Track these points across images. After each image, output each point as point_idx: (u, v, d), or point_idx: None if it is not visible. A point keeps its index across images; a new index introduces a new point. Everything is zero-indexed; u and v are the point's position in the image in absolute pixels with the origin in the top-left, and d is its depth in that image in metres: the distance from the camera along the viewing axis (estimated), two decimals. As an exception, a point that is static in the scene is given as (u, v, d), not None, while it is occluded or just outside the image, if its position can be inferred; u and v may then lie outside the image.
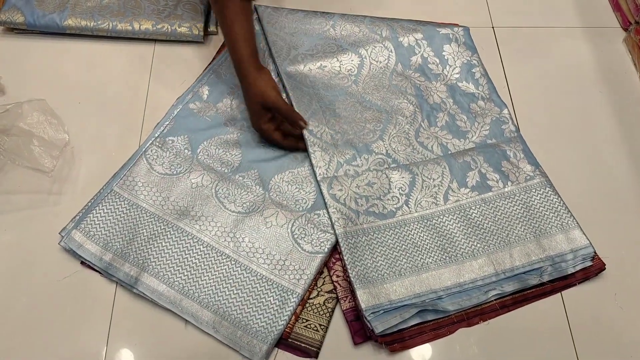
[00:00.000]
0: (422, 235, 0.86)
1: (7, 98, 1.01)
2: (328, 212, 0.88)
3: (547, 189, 0.91)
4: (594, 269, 0.86)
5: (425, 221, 0.88)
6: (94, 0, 1.10)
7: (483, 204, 0.89)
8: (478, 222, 0.87)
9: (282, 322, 0.80)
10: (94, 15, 1.07)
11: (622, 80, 1.09)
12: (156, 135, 0.95)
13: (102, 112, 1.01)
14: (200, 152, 0.94)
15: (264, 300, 0.81)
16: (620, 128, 1.02)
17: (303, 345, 0.80)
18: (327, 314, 0.83)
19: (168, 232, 0.86)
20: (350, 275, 0.82)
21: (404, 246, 0.85)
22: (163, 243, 0.85)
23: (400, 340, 0.80)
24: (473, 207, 0.89)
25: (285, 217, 0.88)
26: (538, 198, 0.90)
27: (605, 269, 0.86)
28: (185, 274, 0.83)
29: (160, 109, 1.00)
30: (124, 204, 0.88)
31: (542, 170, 0.93)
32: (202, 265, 0.84)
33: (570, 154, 0.99)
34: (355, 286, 0.81)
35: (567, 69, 1.10)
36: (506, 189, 0.91)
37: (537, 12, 1.18)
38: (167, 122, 0.96)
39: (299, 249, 0.85)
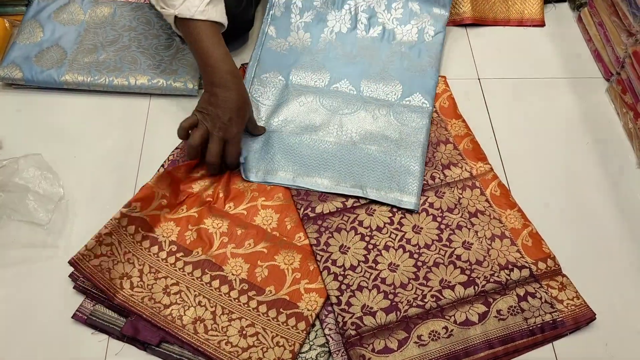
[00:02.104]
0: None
1: (4, 152, 1.03)
2: None
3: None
4: (584, 318, 0.86)
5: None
6: (91, 56, 1.13)
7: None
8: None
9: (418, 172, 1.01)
10: (91, 70, 1.10)
11: (607, 130, 1.11)
12: (252, 75, 1.11)
13: (97, 166, 1.03)
14: (292, 78, 1.12)
15: (395, 166, 1.02)
16: (607, 177, 1.04)
17: (295, 400, 0.80)
18: (320, 368, 0.83)
19: (302, 142, 1.04)
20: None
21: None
22: (302, 150, 1.03)
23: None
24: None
25: (385, 108, 1.09)
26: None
27: (595, 318, 0.87)
28: (328, 166, 1.02)
29: (154, 161, 1.02)
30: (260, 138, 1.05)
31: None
32: (338, 158, 1.03)
33: (558, 204, 1.01)
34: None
35: (553, 119, 1.13)
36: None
37: (522, 64, 1.22)
38: (255, 64, 1.13)
39: (407, 127, 1.07)
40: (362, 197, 0.98)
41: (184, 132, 0.96)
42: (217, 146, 0.94)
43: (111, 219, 0.91)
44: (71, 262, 0.86)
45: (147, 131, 1.08)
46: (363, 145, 1.04)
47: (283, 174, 1.01)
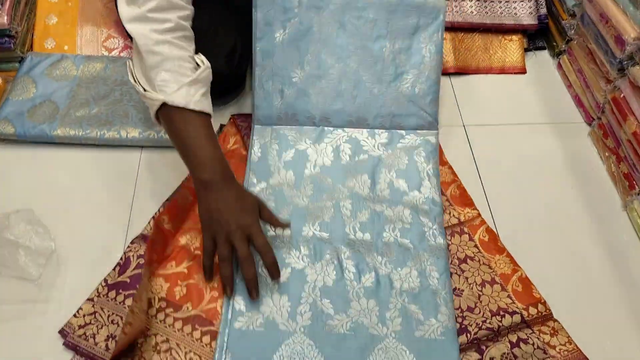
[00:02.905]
0: None
1: (-6, 208, 1.03)
2: None
3: None
4: (577, 364, 0.86)
5: None
6: (83, 110, 1.15)
7: None
8: None
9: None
10: (82, 124, 1.12)
11: (591, 173, 1.14)
12: None
13: (87, 221, 1.03)
14: None
15: None
16: (594, 220, 1.06)
17: None
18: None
19: None
20: None
21: None
22: None
23: None
24: None
25: None
26: None
27: (588, 364, 0.87)
28: None
29: (144, 216, 1.02)
30: None
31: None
32: None
33: (547, 249, 1.01)
34: None
35: (538, 163, 1.15)
36: None
37: (505, 110, 1.25)
38: (224, 354, 0.85)
39: None
40: None
41: (210, 265, 0.91)
42: (243, 246, 0.85)
43: (95, 290, 0.91)
44: (61, 334, 0.87)
45: (138, 184, 1.09)
46: None
47: None
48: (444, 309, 0.90)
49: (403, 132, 1.13)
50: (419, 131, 1.13)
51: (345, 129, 1.13)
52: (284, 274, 0.93)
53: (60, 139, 1.12)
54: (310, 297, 0.91)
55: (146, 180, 1.09)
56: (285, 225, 0.94)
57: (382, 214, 1.02)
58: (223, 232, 0.86)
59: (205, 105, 0.88)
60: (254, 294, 0.87)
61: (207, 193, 0.87)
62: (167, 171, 1.10)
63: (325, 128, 1.13)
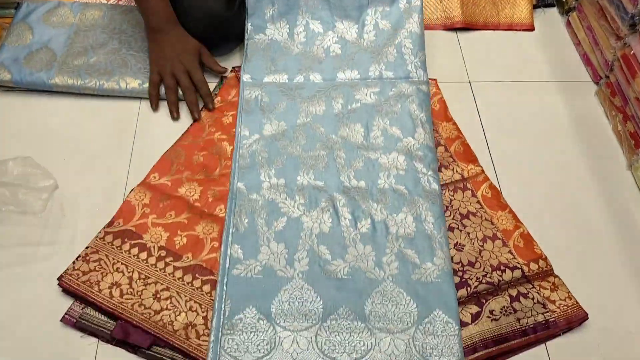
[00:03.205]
0: None
1: (-7, 155, 1.02)
2: None
3: None
4: (576, 319, 0.86)
5: None
6: (81, 59, 1.12)
7: None
8: None
9: None
10: (81, 73, 1.10)
11: (596, 132, 1.12)
12: (221, 323, 0.83)
13: (88, 168, 1.02)
14: (275, 316, 0.84)
15: None
16: (597, 179, 1.05)
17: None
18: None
19: None
20: None
21: None
22: None
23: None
24: None
25: (402, 339, 0.83)
26: None
27: (588, 318, 0.87)
28: None
29: (145, 166, 1.01)
30: None
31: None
32: None
33: (549, 205, 1.01)
34: None
35: (543, 121, 1.14)
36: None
37: (512, 67, 1.23)
38: (223, 302, 0.85)
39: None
40: None
41: (156, 94, 1.09)
42: (184, 78, 1.07)
43: (95, 239, 0.91)
44: (60, 282, 0.86)
45: (137, 135, 1.07)
46: None
47: None
48: (440, 252, 0.91)
49: (395, 80, 1.13)
50: (410, 80, 1.13)
51: (337, 75, 1.14)
52: (280, 222, 0.93)
53: (59, 87, 1.09)
54: (307, 244, 0.91)
55: (146, 132, 1.08)
56: (223, 70, 1.13)
57: (377, 161, 1.02)
58: (168, 66, 1.07)
59: None
60: (194, 114, 1.07)
61: (155, 36, 1.07)
62: (166, 123, 1.09)
63: (315, 81, 1.13)
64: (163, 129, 1.08)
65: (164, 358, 0.82)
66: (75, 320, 0.84)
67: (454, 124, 1.10)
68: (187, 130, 1.07)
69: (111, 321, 0.84)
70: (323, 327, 0.83)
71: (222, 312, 0.84)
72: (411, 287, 0.87)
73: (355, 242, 0.91)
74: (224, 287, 0.86)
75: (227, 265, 0.89)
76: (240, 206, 0.95)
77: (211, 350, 0.81)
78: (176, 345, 0.82)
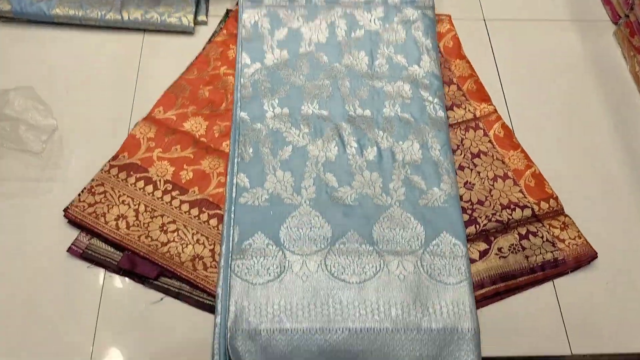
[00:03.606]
0: None
1: (-6, 86, 0.99)
2: None
3: None
4: (585, 257, 0.86)
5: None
6: (83, -11, 1.08)
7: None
8: None
9: None
10: (82, 4, 1.06)
11: (613, 73, 1.09)
12: (231, 249, 0.84)
13: (90, 101, 1.00)
14: (285, 241, 0.85)
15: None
16: (612, 120, 1.02)
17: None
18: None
19: (316, 340, 0.77)
20: None
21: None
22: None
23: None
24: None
25: (410, 261, 0.84)
26: None
27: (597, 257, 0.86)
28: None
29: (149, 97, 0.99)
30: (250, 341, 0.77)
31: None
32: (364, 351, 0.77)
33: (562, 145, 0.99)
34: None
35: (559, 61, 1.10)
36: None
37: (528, 5, 1.18)
38: (232, 229, 0.85)
39: (444, 283, 0.82)
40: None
41: None
42: None
43: (100, 172, 0.90)
44: (66, 213, 0.85)
45: (141, 68, 1.04)
46: (397, 324, 0.78)
47: None
48: (447, 178, 0.91)
49: (399, 5, 1.09)
50: (416, 4, 1.09)
51: (339, 2, 1.09)
52: (286, 151, 0.93)
53: (60, 18, 1.06)
54: (313, 172, 0.91)
55: (150, 65, 1.05)
56: None
57: (382, 90, 1.00)
58: None
59: None
60: None
61: None
62: (171, 55, 1.06)
63: (318, 4, 1.09)
64: (167, 62, 1.05)
65: (171, 288, 0.82)
66: (81, 251, 0.84)
67: (468, 61, 1.07)
68: (191, 64, 1.04)
69: (118, 252, 0.84)
70: (332, 250, 0.84)
71: (231, 238, 0.84)
72: (418, 211, 0.87)
73: (361, 169, 0.91)
74: (232, 215, 0.86)
75: (233, 194, 0.88)
76: (244, 136, 0.94)
77: (222, 274, 0.81)
78: (183, 277, 0.82)
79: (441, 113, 0.97)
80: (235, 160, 0.92)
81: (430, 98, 0.99)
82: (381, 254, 0.84)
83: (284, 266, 0.82)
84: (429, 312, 0.79)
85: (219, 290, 0.80)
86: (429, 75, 1.01)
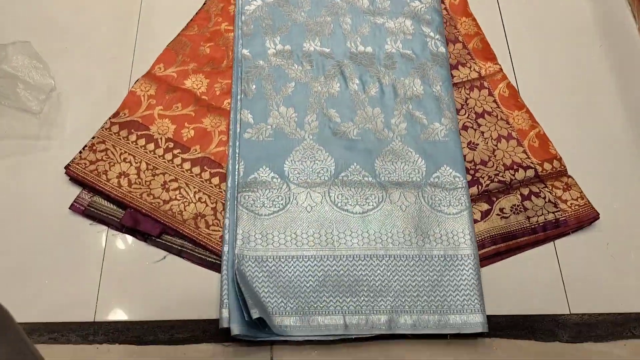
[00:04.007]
0: None
1: (-10, 41, 0.98)
2: None
3: None
4: (587, 218, 0.86)
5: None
6: (79, -58, 1.05)
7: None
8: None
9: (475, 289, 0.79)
10: (79, -44, 1.03)
11: (621, 33, 1.07)
12: (237, 182, 0.85)
13: (89, 57, 0.98)
14: (289, 174, 0.87)
15: (447, 281, 0.80)
16: (618, 80, 1.01)
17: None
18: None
19: (321, 267, 0.80)
20: None
21: None
22: (322, 279, 0.80)
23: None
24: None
25: (412, 192, 0.85)
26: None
27: (599, 218, 0.86)
28: (358, 293, 0.79)
29: (149, 54, 0.97)
30: (256, 267, 0.79)
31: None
32: (368, 276, 0.80)
33: (567, 106, 0.98)
34: None
35: (567, 20, 1.08)
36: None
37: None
38: (237, 163, 0.87)
39: (445, 214, 0.84)
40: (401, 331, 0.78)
41: None
42: None
43: (100, 129, 0.89)
44: (67, 171, 0.85)
45: (141, 23, 1.02)
46: (399, 251, 0.82)
47: (291, 319, 0.77)
48: (448, 113, 0.92)
49: None
50: None
51: None
52: (288, 88, 0.94)
53: (56, -29, 1.03)
54: (316, 108, 0.92)
55: (149, 20, 1.03)
56: None
57: (383, 26, 1.01)
58: None
59: None
60: None
61: None
62: (171, 11, 1.03)
63: None
64: (167, 18, 1.03)
65: (173, 246, 0.83)
66: (83, 208, 0.84)
67: (474, 19, 1.05)
68: (192, 20, 1.02)
69: (120, 209, 0.84)
70: (335, 183, 0.86)
71: (237, 172, 0.86)
72: (420, 146, 0.89)
73: (364, 105, 0.93)
74: (237, 150, 0.88)
75: (237, 130, 0.89)
76: (246, 73, 0.95)
77: (229, 206, 0.83)
78: (186, 234, 0.82)
79: (442, 49, 0.99)
80: (239, 97, 0.93)
81: (432, 34, 1.00)
82: (383, 185, 0.86)
83: (289, 198, 0.84)
84: (430, 240, 0.82)
85: (227, 222, 0.82)
86: (430, 10, 1.02)
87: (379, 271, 0.80)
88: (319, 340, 0.76)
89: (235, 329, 0.73)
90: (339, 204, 0.84)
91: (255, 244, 0.80)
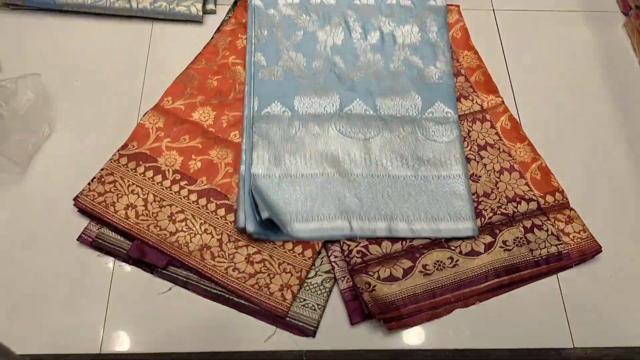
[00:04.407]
0: None
1: (3, 74, 1.00)
2: None
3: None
4: (590, 251, 0.86)
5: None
6: (91, -23, 1.08)
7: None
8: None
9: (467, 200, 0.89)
10: (91, -8, 1.06)
11: (622, 65, 1.08)
12: (252, 114, 0.96)
13: (99, 90, 1.00)
14: (298, 107, 0.97)
15: (440, 191, 0.90)
16: (619, 113, 1.02)
17: (301, 324, 0.81)
18: (325, 294, 0.83)
19: (328, 182, 0.90)
20: None
21: None
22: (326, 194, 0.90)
23: (398, 318, 0.80)
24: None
25: (409, 124, 0.96)
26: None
27: (601, 251, 0.87)
28: (362, 203, 0.89)
29: (158, 87, 0.99)
30: (269, 183, 0.89)
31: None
32: (371, 194, 0.90)
33: (569, 139, 0.99)
34: None
35: (568, 53, 1.10)
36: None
37: (538, -4, 1.18)
38: (252, 101, 0.97)
39: (438, 142, 0.94)
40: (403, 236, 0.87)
41: None
42: None
43: (109, 161, 0.91)
44: (76, 202, 0.87)
45: (150, 57, 1.05)
46: (397, 172, 0.92)
47: (310, 225, 0.87)
48: (442, 57, 1.03)
49: None
50: None
51: None
52: (298, 36, 1.05)
53: (69, 6, 1.06)
54: (322, 54, 1.04)
55: (159, 54, 1.05)
56: None
57: None
58: None
59: None
60: None
61: None
62: (180, 45, 1.06)
63: None
64: (176, 51, 1.05)
65: (179, 277, 0.83)
66: (91, 240, 0.85)
67: (476, 52, 1.07)
68: (200, 54, 1.04)
69: (127, 241, 0.85)
70: (340, 115, 0.97)
71: (252, 106, 0.97)
72: (416, 86, 1.00)
73: (365, 52, 1.04)
74: (252, 88, 0.99)
75: (252, 70, 1.01)
76: (259, 19, 1.04)
77: (245, 133, 0.94)
78: (192, 266, 0.83)
79: (441, 2, 1.09)
80: (252, 40, 1.03)
81: None
82: (383, 118, 0.97)
83: (298, 127, 0.95)
84: (425, 164, 0.92)
85: (243, 146, 0.93)
86: None
87: (379, 186, 0.90)
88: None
89: (250, 227, 0.84)
90: (344, 133, 0.95)
91: (269, 164, 0.91)
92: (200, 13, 1.08)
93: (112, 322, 0.80)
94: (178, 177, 0.90)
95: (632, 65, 1.09)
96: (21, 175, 0.91)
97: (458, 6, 1.13)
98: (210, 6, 1.11)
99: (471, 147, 0.96)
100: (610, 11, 1.16)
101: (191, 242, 0.85)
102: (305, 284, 0.84)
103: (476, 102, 1.01)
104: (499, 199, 0.90)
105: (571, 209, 0.90)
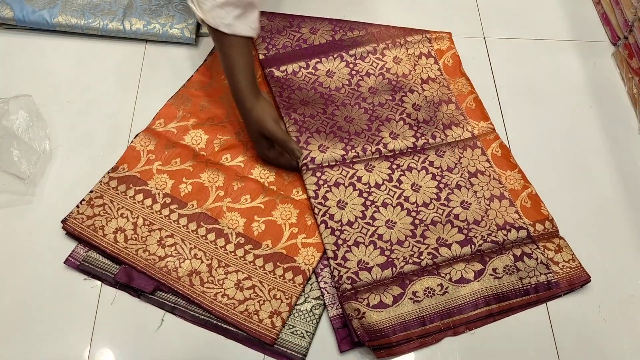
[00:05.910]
0: None
1: (-6, 94, 1.00)
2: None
3: None
4: (579, 280, 0.87)
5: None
6: (86, -2, 1.09)
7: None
8: None
9: None
10: (84, 13, 1.06)
11: (610, 95, 1.10)
12: None
13: (90, 111, 1.00)
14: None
15: None
16: (608, 142, 1.03)
17: (289, 352, 0.80)
18: (314, 321, 0.83)
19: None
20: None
21: None
22: None
23: (387, 346, 0.79)
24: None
25: None
26: None
27: (590, 281, 0.87)
28: None
29: (150, 109, 0.99)
30: None
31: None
32: None
33: (559, 167, 1.00)
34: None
35: (557, 81, 1.11)
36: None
37: (528, 25, 1.19)
38: None
39: None
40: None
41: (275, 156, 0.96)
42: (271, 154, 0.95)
43: (99, 183, 0.90)
44: (64, 225, 0.86)
45: (142, 79, 1.05)
46: None
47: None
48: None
49: None
50: None
51: None
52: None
53: (62, 27, 1.06)
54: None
55: (151, 76, 1.05)
56: (299, 154, 0.93)
57: None
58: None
59: (239, 29, 0.85)
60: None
61: (237, 105, 0.92)
62: (173, 67, 1.06)
63: None
64: (169, 73, 1.05)
65: (167, 303, 0.83)
66: (78, 263, 0.84)
67: (467, 79, 1.08)
68: (192, 76, 1.04)
69: (115, 265, 0.84)
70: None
71: None
72: None
73: None
74: None
75: None
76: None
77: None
78: (180, 292, 0.82)
79: None
80: None
81: None
82: None
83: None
84: None
85: None
86: None
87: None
88: None
89: None
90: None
91: None
92: (194, 36, 1.08)
93: (97, 347, 0.79)
94: (168, 200, 0.90)
95: (620, 95, 1.10)
96: (33, 180, 0.91)
97: (450, 33, 1.14)
98: (203, 29, 1.11)
99: (462, 174, 0.96)
100: (599, 41, 1.18)
101: (180, 267, 0.84)
102: (294, 311, 0.83)
103: (467, 130, 1.01)
104: (489, 226, 0.91)
105: (561, 238, 0.91)
